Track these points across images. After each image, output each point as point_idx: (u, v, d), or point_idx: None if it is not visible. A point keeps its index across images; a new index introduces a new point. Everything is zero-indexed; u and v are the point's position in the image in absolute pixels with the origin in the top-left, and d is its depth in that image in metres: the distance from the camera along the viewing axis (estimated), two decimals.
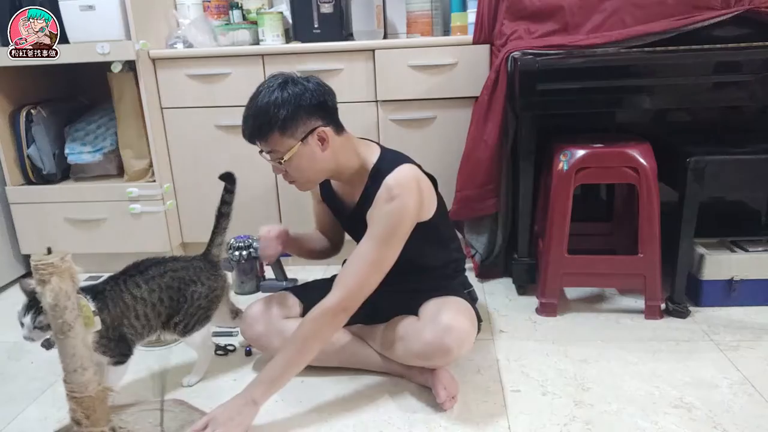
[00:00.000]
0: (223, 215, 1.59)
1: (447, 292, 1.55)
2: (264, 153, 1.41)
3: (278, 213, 2.31)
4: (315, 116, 1.36)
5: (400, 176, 1.39)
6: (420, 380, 1.52)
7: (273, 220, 2.31)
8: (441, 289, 1.56)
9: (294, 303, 1.63)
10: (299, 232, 1.73)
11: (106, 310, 1.36)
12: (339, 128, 1.43)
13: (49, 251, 1.13)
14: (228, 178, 1.57)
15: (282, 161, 1.37)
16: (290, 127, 1.34)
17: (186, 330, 1.51)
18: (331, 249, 1.78)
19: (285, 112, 1.33)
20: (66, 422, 1.27)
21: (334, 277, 1.74)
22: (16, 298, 2.21)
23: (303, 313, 1.61)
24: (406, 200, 1.37)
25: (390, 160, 1.45)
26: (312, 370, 1.59)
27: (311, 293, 1.65)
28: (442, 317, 1.41)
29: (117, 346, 1.40)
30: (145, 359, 1.73)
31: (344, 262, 1.52)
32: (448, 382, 1.46)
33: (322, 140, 1.38)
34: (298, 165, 1.38)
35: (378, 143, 1.54)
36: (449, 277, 1.63)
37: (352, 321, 1.59)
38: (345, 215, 1.59)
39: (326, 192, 1.62)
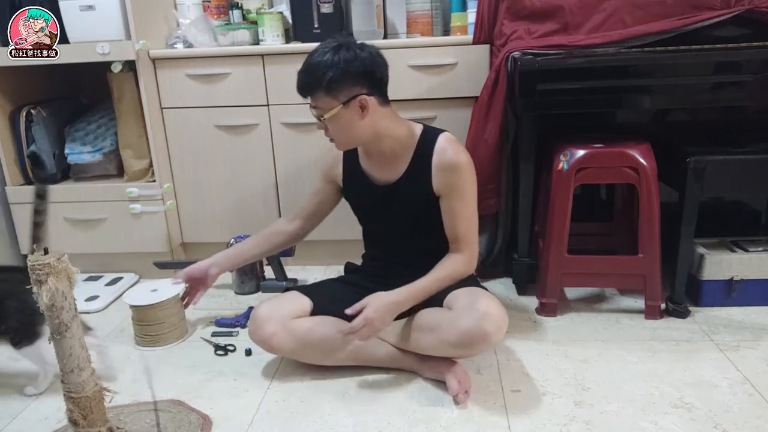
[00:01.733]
0: (37, 225, 1.40)
1: (466, 284, 1.56)
2: (311, 108, 1.48)
3: (278, 213, 2.31)
4: (360, 84, 1.42)
5: (449, 137, 1.55)
6: (432, 374, 1.53)
7: (273, 220, 2.29)
8: (459, 282, 1.57)
9: (304, 301, 1.61)
10: (228, 252, 1.79)
11: None
12: (384, 100, 1.50)
13: (46, 251, 1.13)
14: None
15: (323, 119, 1.45)
16: (334, 89, 1.41)
17: (15, 343, 1.50)
18: (290, 240, 1.78)
19: (332, 74, 1.39)
20: (65, 422, 1.27)
21: (340, 277, 1.78)
22: None
23: (313, 312, 1.60)
24: (465, 155, 1.53)
25: (434, 129, 1.58)
26: (313, 369, 1.60)
27: (320, 292, 1.66)
28: (478, 305, 1.43)
29: None
30: (143, 360, 1.73)
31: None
32: (462, 376, 1.48)
33: (363, 108, 1.44)
34: (337, 126, 1.46)
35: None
36: None
37: None
38: (376, 193, 1.59)
39: (350, 173, 1.64)
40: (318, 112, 1.45)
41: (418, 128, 1.57)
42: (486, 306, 1.43)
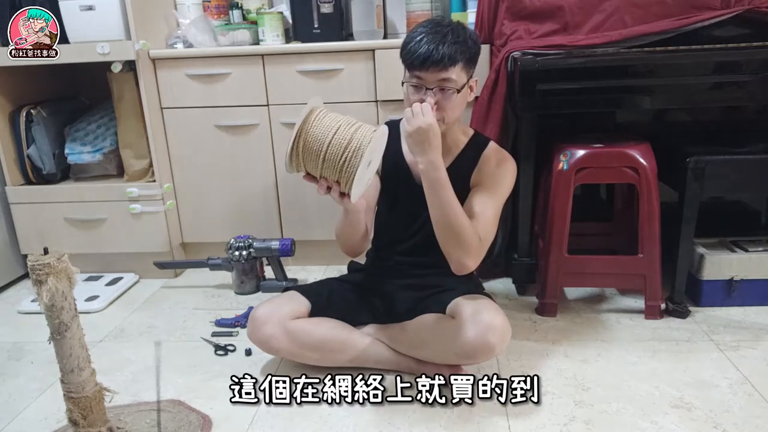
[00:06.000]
0: None
1: (468, 290, 1.55)
2: (431, 84, 1.40)
3: (278, 213, 2.31)
4: (475, 65, 1.48)
5: (498, 146, 1.60)
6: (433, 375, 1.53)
7: (273, 220, 2.30)
8: (461, 286, 1.56)
9: (302, 302, 1.60)
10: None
11: None
12: None
13: (46, 251, 1.13)
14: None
15: (450, 88, 1.40)
16: (472, 64, 1.45)
17: None
18: (365, 241, 1.59)
19: (476, 49, 1.45)
20: (65, 422, 1.27)
21: (342, 276, 1.77)
22: (16, 297, 2.22)
23: (311, 313, 1.59)
24: (512, 163, 1.57)
25: (483, 135, 1.64)
26: (313, 370, 1.59)
27: (319, 292, 1.65)
28: (483, 316, 1.42)
29: None
30: (144, 359, 1.73)
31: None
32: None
33: (471, 89, 1.49)
34: (457, 102, 1.44)
35: None
36: (466, 275, 1.59)
37: (365, 321, 1.61)
38: (415, 185, 1.52)
39: (391, 164, 1.60)
40: (449, 83, 1.39)
41: (470, 130, 1.63)
42: (490, 318, 1.41)
